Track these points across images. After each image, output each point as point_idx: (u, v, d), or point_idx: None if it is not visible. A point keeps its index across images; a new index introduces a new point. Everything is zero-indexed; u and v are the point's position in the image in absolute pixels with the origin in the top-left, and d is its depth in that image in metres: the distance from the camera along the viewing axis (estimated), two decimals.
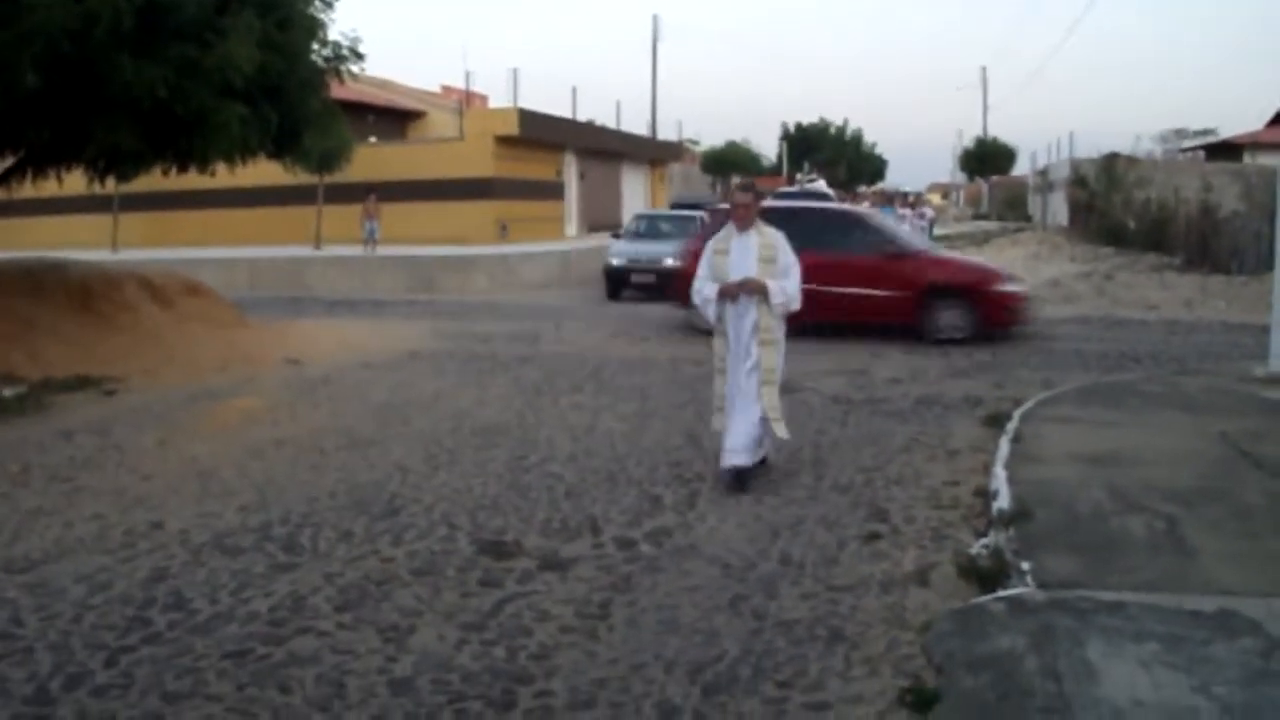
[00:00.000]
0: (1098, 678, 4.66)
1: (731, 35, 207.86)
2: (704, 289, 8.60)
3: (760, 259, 8.35)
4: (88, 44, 10.42)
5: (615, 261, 25.77)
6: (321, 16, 13.23)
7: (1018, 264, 30.54)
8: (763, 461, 8.77)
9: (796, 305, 8.47)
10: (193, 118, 11.49)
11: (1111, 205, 37.37)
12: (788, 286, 8.37)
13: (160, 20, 10.84)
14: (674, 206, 35.10)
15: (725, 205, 36.30)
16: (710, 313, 8.63)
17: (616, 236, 28.80)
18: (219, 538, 7.26)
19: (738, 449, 8.39)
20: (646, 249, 25.80)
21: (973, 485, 8.32)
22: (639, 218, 30.25)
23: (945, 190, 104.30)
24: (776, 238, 8.49)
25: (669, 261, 22.25)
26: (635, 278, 25.14)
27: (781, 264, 8.40)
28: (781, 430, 8.52)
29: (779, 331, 8.53)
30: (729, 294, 8.40)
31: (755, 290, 8.31)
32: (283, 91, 12.70)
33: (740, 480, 8.35)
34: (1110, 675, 4.68)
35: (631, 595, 6.13)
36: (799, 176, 49.33)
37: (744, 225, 8.49)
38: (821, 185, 39.43)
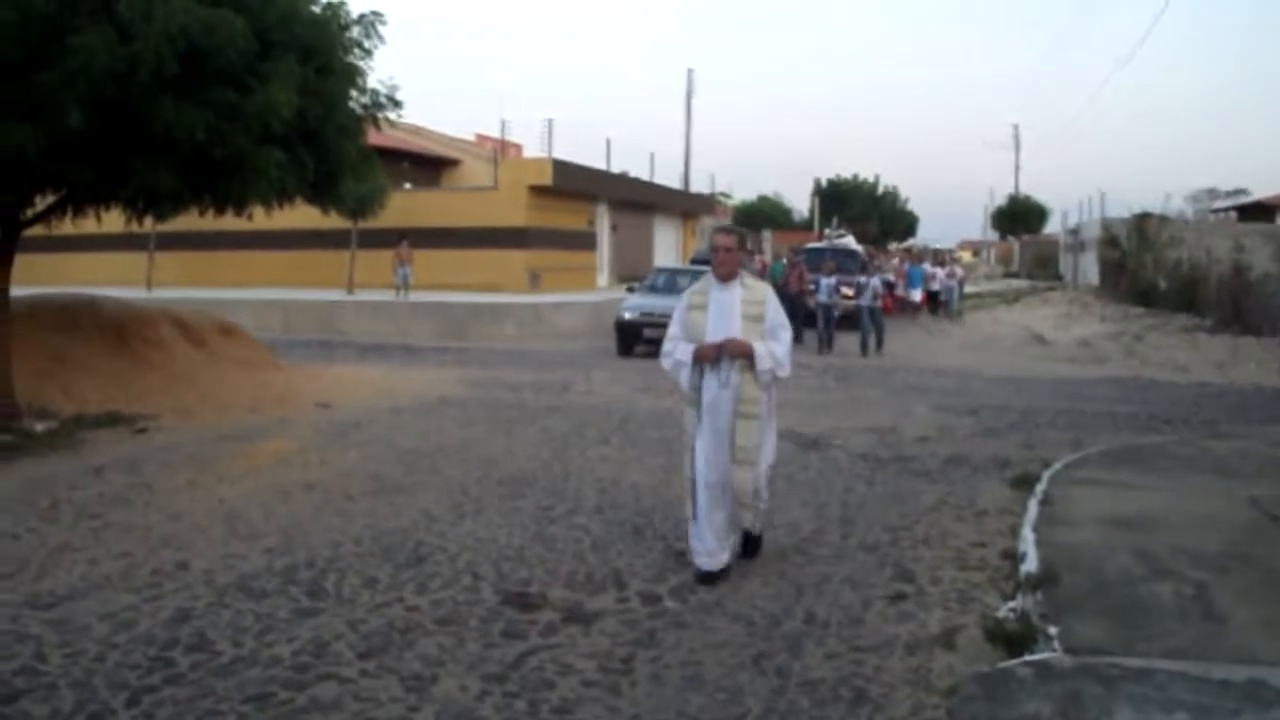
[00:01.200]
0: None
1: (765, 90, 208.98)
2: (675, 350, 7.43)
3: (745, 316, 7.26)
4: (131, 86, 10.56)
5: (628, 315, 24.67)
6: (361, 64, 13.36)
7: (1048, 323, 30.54)
8: (758, 540, 7.85)
9: (785, 372, 7.33)
10: (231, 161, 11.60)
11: (1143, 265, 37.31)
12: (777, 350, 7.26)
13: (202, 64, 10.96)
14: (693, 262, 34.21)
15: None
16: (683, 379, 7.37)
17: (631, 290, 27.68)
18: (244, 580, 7.28)
19: (710, 550, 7.33)
20: (661, 303, 23.49)
21: (1000, 547, 8.25)
22: (657, 271, 29.34)
23: (976, 248, 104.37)
24: (764, 291, 7.51)
25: None
26: (648, 332, 23.34)
27: (770, 323, 7.31)
28: (750, 521, 7.57)
29: (766, 404, 7.34)
30: (706, 358, 7.22)
31: (738, 354, 7.18)
32: (321, 137, 12.81)
33: (713, 578, 7.31)
34: None
35: (655, 650, 6.10)
36: (827, 232, 49.02)
37: (726, 275, 7.36)
38: (850, 241, 39.07)
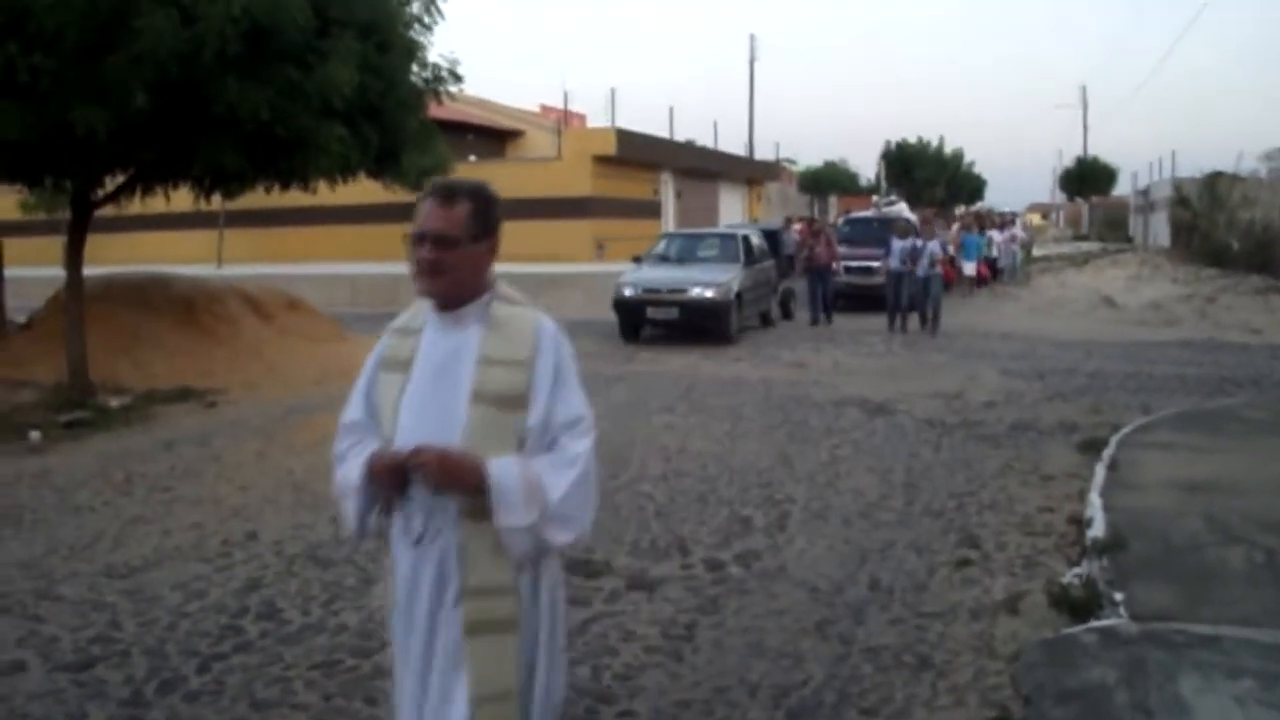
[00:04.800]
0: (1190, 714, 4.57)
1: (829, 54, 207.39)
2: (346, 455, 3.41)
3: (479, 394, 3.22)
4: (195, 67, 10.68)
5: (628, 292, 20.25)
6: (421, 39, 13.43)
7: (1118, 285, 30.14)
8: None
9: (571, 536, 3.22)
10: (294, 138, 11.71)
11: (1214, 226, 36.68)
12: (550, 483, 3.16)
13: (264, 44, 11.06)
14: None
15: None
16: (349, 517, 3.41)
17: (637, 260, 22.70)
18: (311, 549, 7.40)
19: None
20: (670, 275, 20.57)
21: (1067, 512, 8.17)
22: (669, 237, 24.45)
23: (1046, 211, 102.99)
24: (541, 333, 3.30)
25: (697, 292, 19.50)
26: (653, 312, 19.94)
27: (541, 414, 3.23)
28: None
29: (532, 599, 3.29)
30: (383, 483, 3.25)
31: (449, 482, 3.13)
32: (382, 112, 12.90)
33: None
34: (1203, 712, 4.59)
35: (718, 617, 6.12)
36: (874, 199, 47.62)
37: (444, 295, 3.32)
38: (902, 209, 35.43)
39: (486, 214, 3.32)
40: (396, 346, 3.41)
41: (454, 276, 3.26)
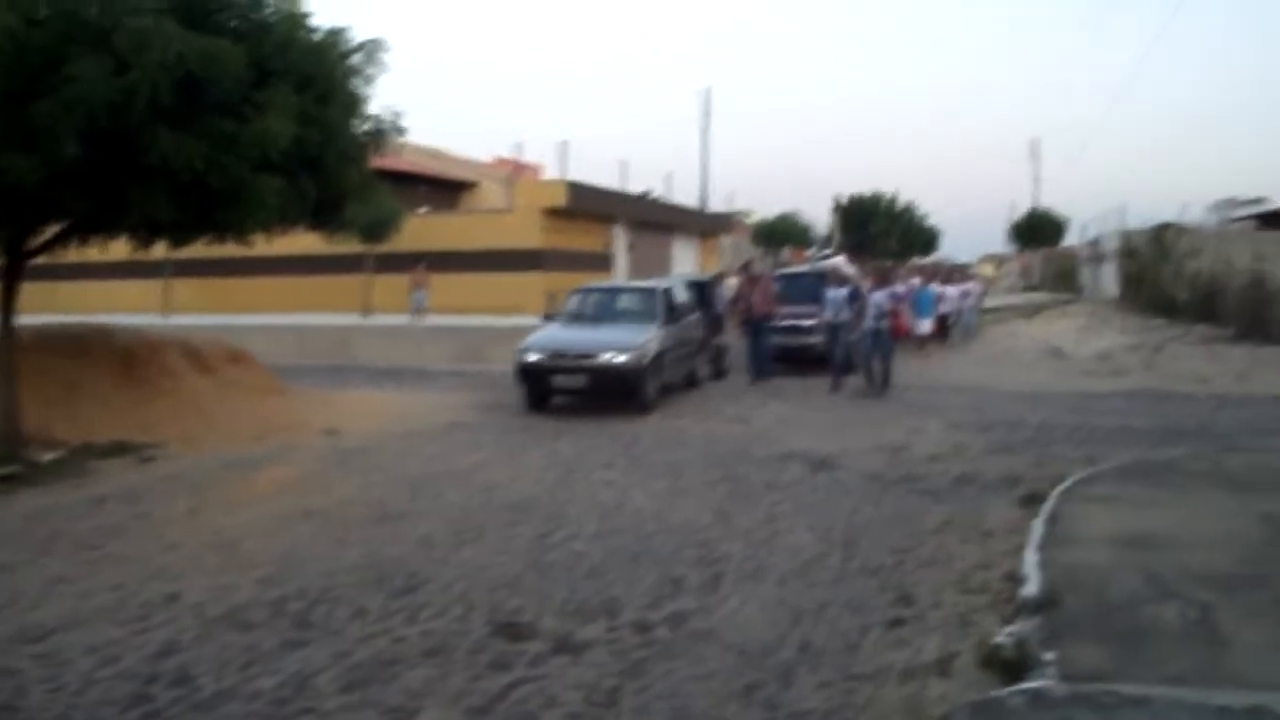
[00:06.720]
0: None
1: (785, 107, 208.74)
2: None
3: None
4: (128, 116, 10.57)
5: (531, 357, 17.67)
6: (362, 91, 13.33)
7: (1067, 336, 30.29)
8: None
9: None
10: (230, 190, 11.57)
11: (1162, 276, 36.93)
12: None
13: (199, 94, 10.95)
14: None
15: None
16: None
17: (549, 318, 20.69)
18: (234, 611, 7.23)
19: None
20: (579, 338, 18.14)
21: (1004, 569, 8.08)
22: (583, 293, 20.95)
23: (999, 261, 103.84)
24: None
25: (607, 357, 17.18)
26: (560, 380, 17.55)
27: None
28: None
29: None
30: None
31: None
32: (321, 164, 12.77)
33: None
34: None
35: (643, 681, 5.99)
36: (808, 253, 46.91)
37: None
38: (840, 262, 32.91)
39: None
40: None
41: None
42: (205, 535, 9.33)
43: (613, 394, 17.20)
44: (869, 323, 19.92)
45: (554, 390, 17.74)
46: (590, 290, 21.37)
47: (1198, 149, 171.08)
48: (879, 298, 20.16)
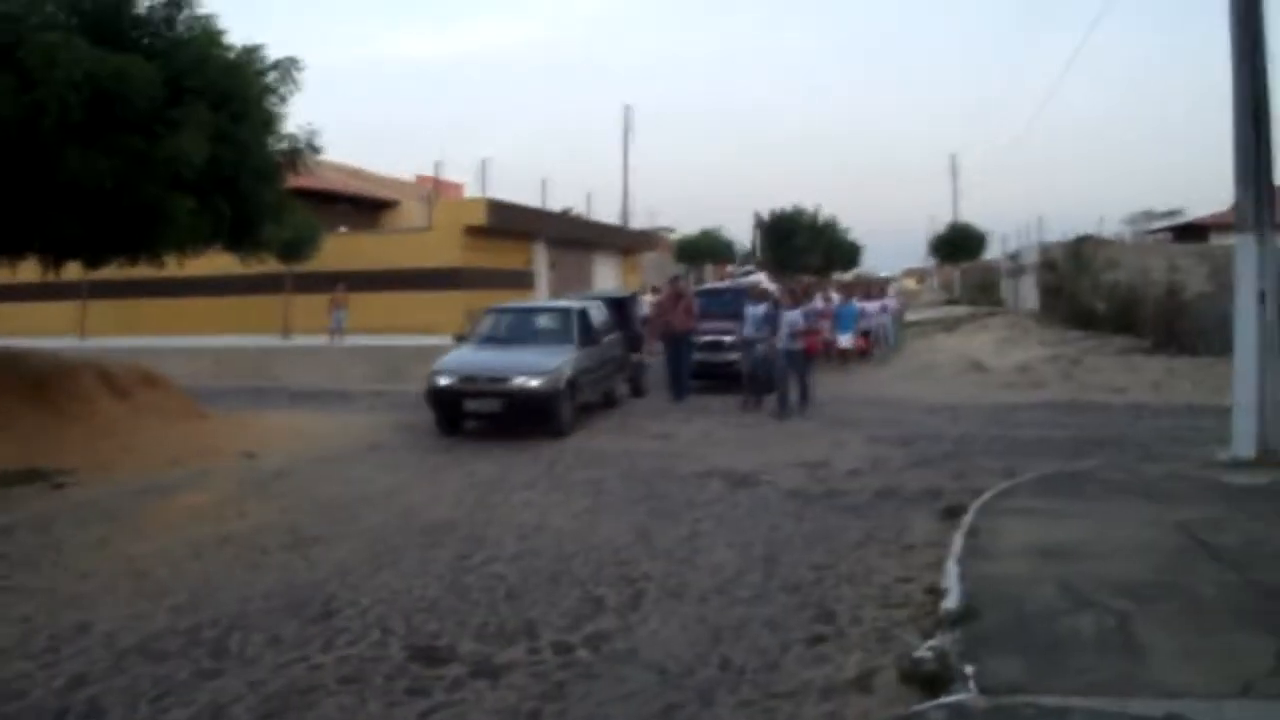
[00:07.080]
0: None
1: (705, 124, 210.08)
2: None
3: None
4: (35, 134, 10.37)
5: (442, 381, 17.13)
6: (277, 110, 13.21)
7: (987, 348, 30.61)
8: None
9: None
10: (142, 210, 11.41)
11: (1080, 288, 37.44)
12: None
13: (110, 112, 10.79)
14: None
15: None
16: None
17: (460, 339, 20.32)
18: (146, 641, 7.07)
19: None
20: (492, 361, 17.63)
21: (925, 582, 8.12)
22: (496, 313, 20.28)
23: (921, 275, 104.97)
24: None
25: (520, 381, 16.65)
26: (472, 404, 17.05)
27: None
28: None
29: None
30: None
31: None
32: (236, 183, 12.65)
33: None
34: None
35: (563, 704, 5.93)
36: (729, 269, 47.39)
37: None
38: (761, 279, 33.35)
39: None
40: None
41: None
42: (117, 564, 9.12)
43: (527, 419, 16.74)
44: (783, 341, 19.41)
45: (466, 415, 17.31)
46: (504, 310, 20.69)
47: (1115, 162, 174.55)
48: (793, 316, 19.58)
